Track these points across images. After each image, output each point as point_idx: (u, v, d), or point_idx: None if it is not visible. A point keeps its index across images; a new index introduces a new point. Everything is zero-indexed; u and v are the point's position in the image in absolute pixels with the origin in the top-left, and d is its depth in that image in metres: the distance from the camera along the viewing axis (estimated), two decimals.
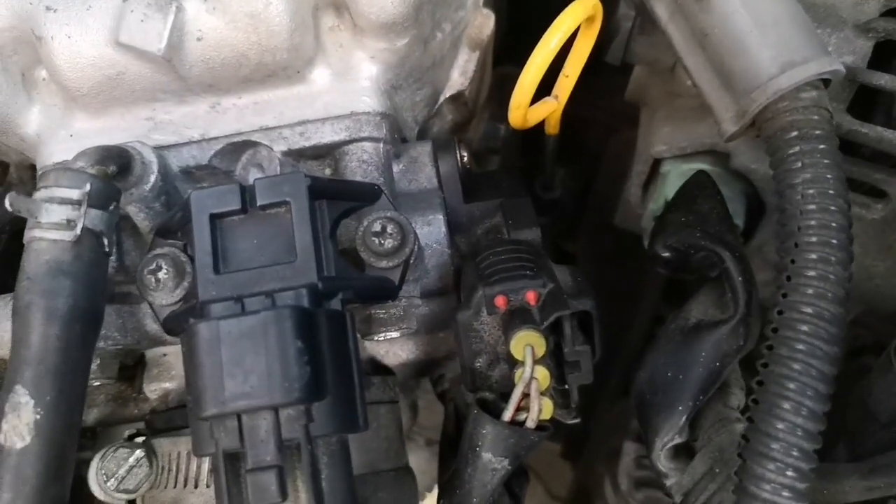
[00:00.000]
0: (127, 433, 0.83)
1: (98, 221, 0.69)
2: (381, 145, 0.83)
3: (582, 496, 1.71)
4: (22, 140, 0.84)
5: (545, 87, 0.92)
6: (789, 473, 0.60)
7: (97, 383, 0.84)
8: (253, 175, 0.83)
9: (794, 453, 0.60)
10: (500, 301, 0.73)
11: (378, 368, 0.88)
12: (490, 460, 0.71)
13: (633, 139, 1.14)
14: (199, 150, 0.82)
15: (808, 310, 0.63)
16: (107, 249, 0.70)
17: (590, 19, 0.87)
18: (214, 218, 0.67)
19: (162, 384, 0.85)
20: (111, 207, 0.70)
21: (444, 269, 0.83)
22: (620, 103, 1.16)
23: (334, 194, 0.71)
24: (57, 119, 0.83)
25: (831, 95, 0.82)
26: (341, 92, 0.83)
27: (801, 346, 0.62)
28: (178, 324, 0.70)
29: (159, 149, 0.79)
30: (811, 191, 0.66)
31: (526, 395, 0.70)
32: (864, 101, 0.88)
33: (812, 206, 0.66)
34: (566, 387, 0.74)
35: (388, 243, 0.73)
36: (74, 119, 0.82)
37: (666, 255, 0.80)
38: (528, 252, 0.77)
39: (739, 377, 0.77)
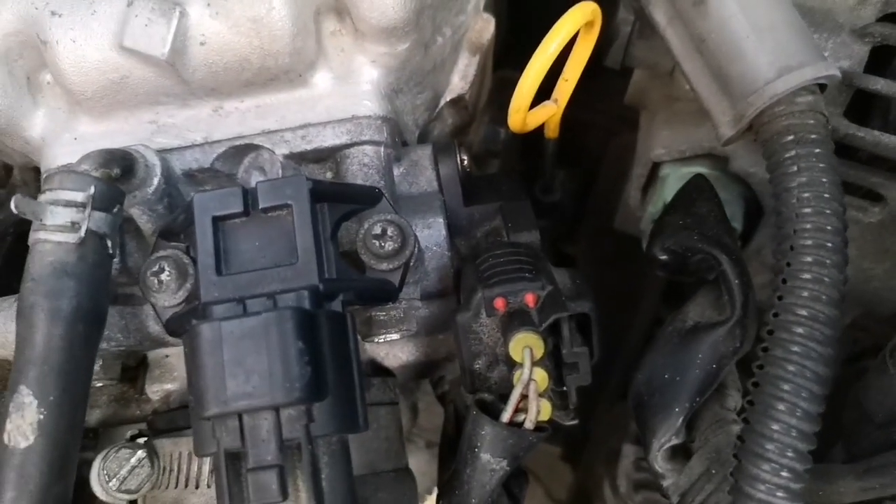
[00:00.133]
0: (129, 434, 0.84)
1: (102, 224, 0.70)
2: (382, 149, 0.84)
3: (581, 498, 1.72)
4: (26, 143, 0.84)
5: (545, 91, 0.93)
6: (784, 474, 0.61)
7: (100, 384, 0.84)
8: (255, 178, 0.83)
9: (789, 454, 0.61)
10: (499, 303, 0.73)
11: (378, 370, 0.89)
12: (489, 461, 0.72)
13: (633, 143, 1.14)
14: (202, 153, 0.83)
15: (804, 312, 0.63)
16: (110, 251, 0.71)
17: (589, 24, 0.88)
18: (217, 220, 0.68)
19: (164, 385, 0.86)
20: (115, 210, 0.71)
21: (444, 272, 0.83)
22: (620, 107, 1.17)
23: (335, 197, 0.72)
24: (61, 122, 0.83)
25: (828, 100, 0.83)
26: (343, 96, 0.83)
27: (796, 348, 0.63)
28: (180, 325, 0.71)
29: (162, 152, 0.80)
30: (807, 194, 0.67)
31: (524, 397, 0.71)
32: (861, 106, 0.89)
33: (807, 210, 0.66)
34: (564, 388, 0.75)
35: (389, 246, 0.74)
36: (78, 122, 0.83)
37: (663, 257, 0.81)
38: (527, 255, 0.78)
39: (736, 379, 0.78)
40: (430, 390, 1.17)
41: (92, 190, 0.69)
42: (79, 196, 0.68)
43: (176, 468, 0.80)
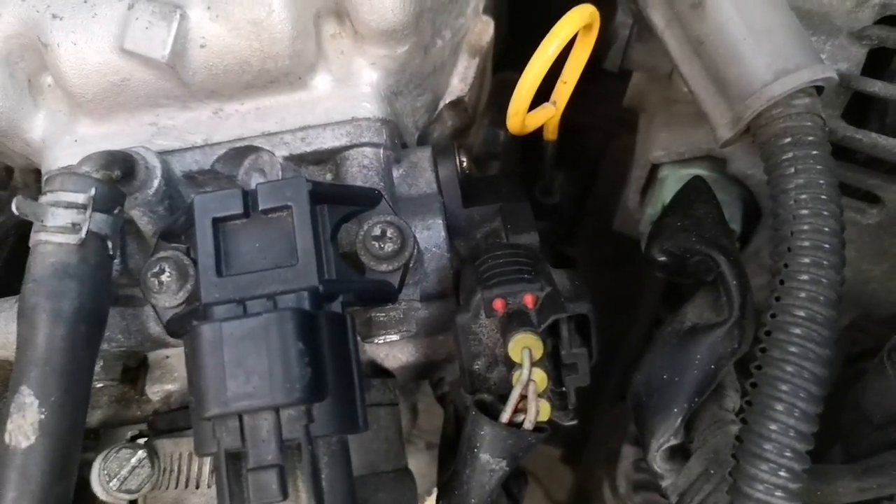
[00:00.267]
0: (129, 434, 0.84)
1: (103, 225, 0.70)
2: (382, 150, 0.84)
3: (581, 500, 1.72)
4: (27, 145, 0.85)
5: (544, 94, 0.94)
6: (782, 474, 0.61)
7: (100, 385, 0.85)
8: (255, 180, 0.84)
9: (787, 454, 0.61)
10: (498, 304, 0.74)
11: (378, 371, 0.89)
12: (488, 461, 0.72)
13: (632, 145, 1.15)
14: (202, 155, 0.83)
15: (801, 313, 0.64)
16: (111, 252, 0.71)
17: (587, 26, 0.88)
18: (217, 222, 0.68)
19: (164, 386, 0.86)
20: (116, 211, 0.72)
21: (444, 273, 0.84)
22: (618, 110, 1.17)
23: (335, 199, 0.72)
24: (62, 124, 0.84)
25: (826, 102, 0.83)
26: (342, 98, 0.84)
27: (793, 349, 0.63)
28: (180, 326, 0.71)
29: (163, 154, 0.80)
30: (804, 196, 0.67)
31: (524, 397, 0.71)
32: (859, 108, 0.89)
33: (805, 211, 0.66)
34: (563, 389, 0.75)
35: (388, 247, 0.74)
36: (79, 124, 0.84)
37: (662, 258, 0.81)
38: (526, 256, 0.78)
39: (734, 379, 0.78)
40: (430, 392, 1.17)
41: (93, 191, 0.69)
42: (80, 197, 0.69)
43: (176, 468, 0.80)
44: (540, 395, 0.71)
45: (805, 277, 0.65)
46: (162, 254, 0.73)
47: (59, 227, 0.68)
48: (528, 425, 0.71)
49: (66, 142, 0.83)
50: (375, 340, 0.82)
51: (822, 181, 0.67)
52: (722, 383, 0.77)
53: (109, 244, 0.71)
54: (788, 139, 0.70)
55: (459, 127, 1.03)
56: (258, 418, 0.62)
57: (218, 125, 0.83)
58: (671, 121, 1.03)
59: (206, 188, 0.84)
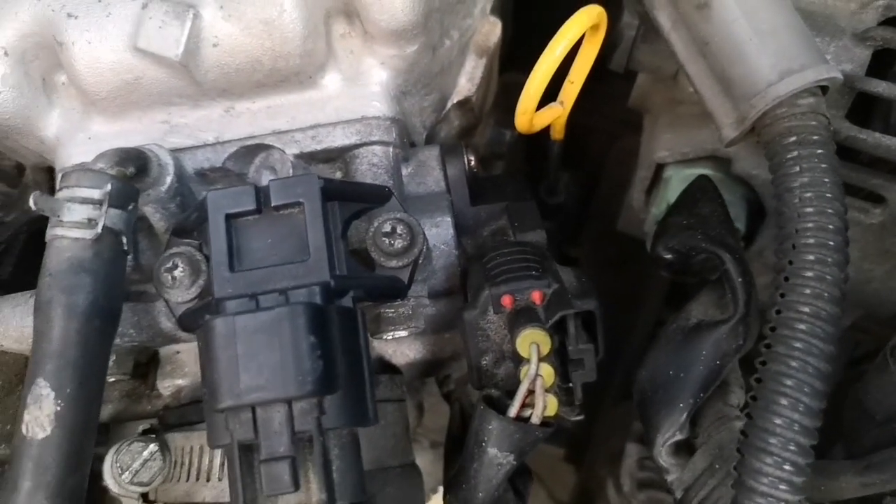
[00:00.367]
0: (141, 428, 0.85)
1: (117, 220, 0.71)
2: (391, 149, 0.85)
3: (584, 499, 1.73)
4: (41, 142, 0.86)
5: (550, 94, 0.95)
6: (786, 467, 0.62)
7: (112, 379, 0.85)
8: (265, 177, 0.85)
9: (792, 448, 0.62)
10: (506, 300, 0.75)
11: (386, 367, 0.90)
12: (496, 455, 0.73)
13: (637, 146, 1.15)
14: (214, 152, 0.84)
15: (806, 309, 0.64)
16: (125, 248, 0.73)
17: (594, 27, 0.89)
18: (230, 218, 0.69)
19: (175, 381, 0.87)
20: (130, 207, 0.73)
21: (452, 270, 0.85)
22: (623, 111, 1.18)
23: (346, 196, 0.73)
24: (76, 122, 0.85)
25: (830, 102, 0.84)
26: (352, 97, 0.85)
27: (798, 345, 0.64)
28: (193, 320, 0.72)
29: (175, 151, 0.81)
30: (808, 194, 0.68)
31: (531, 392, 0.72)
32: (863, 108, 0.90)
33: (809, 209, 0.67)
34: (570, 385, 0.76)
35: (398, 243, 0.75)
36: (92, 122, 0.85)
37: (667, 256, 0.82)
38: (533, 253, 0.79)
39: (739, 376, 0.79)
40: (436, 391, 1.18)
41: (108, 187, 0.70)
42: (95, 193, 0.70)
43: (187, 462, 0.81)
44: (547, 391, 0.72)
45: (809, 274, 0.65)
46: (174, 249, 0.74)
47: (74, 222, 0.69)
48: (535, 420, 0.72)
49: (79, 139, 0.84)
50: (384, 336, 0.83)
51: (826, 180, 0.68)
52: (727, 380, 0.77)
53: (124, 239, 0.72)
54: (793, 138, 0.70)
55: (466, 126, 1.04)
56: (271, 410, 0.63)
57: (229, 123, 0.84)
58: (676, 121, 1.03)
59: (218, 185, 0.85)
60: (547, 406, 0.72)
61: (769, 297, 0.69)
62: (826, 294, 0.65)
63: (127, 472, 0.79)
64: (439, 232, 0.84)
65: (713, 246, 0.78)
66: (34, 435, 0.65)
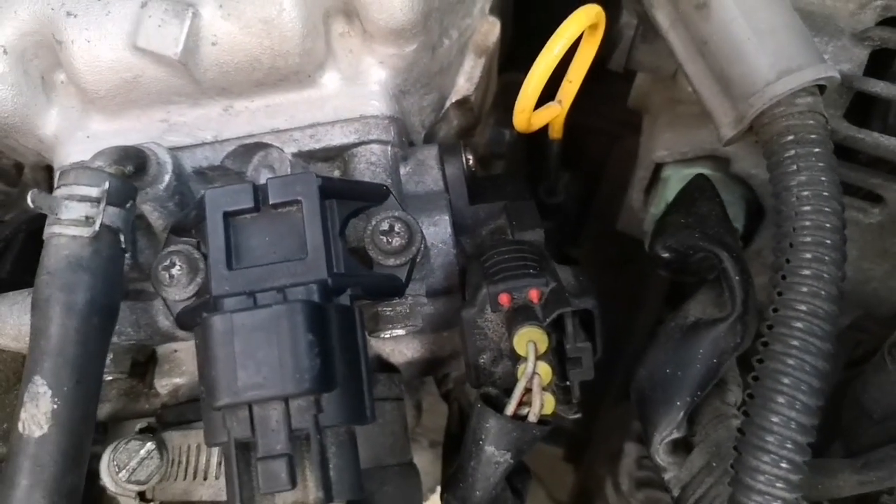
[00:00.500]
0: (138, 427, 0.85)
1: (116, 218, 0.71)
2: (389, 148, 0.85)
3: (583, 499, 1.73)
4: (40, 141, 0.86)
5: (549, 94, 0.95)
6: (783, 465, 0.62)
7: (110, 378, 0.85)
8: (264, 176, 0.85)
9: (789, 445, 0.62)
10: (503, 299, 0.75)
11: (384, 366, 0.90)
12: (493, 453, 0.73)
13: (636, 146, 1.15)
14: (212, 151, 0.84)
15: (803, 307, 0.64)
16: (123, 246, 0.73)
17: (593, 26, 0.89)
18: (228, 216, 0.69)
19: (172, 379, 0.87)
20: (128, 205, 0.73)
21: (450, 269, 0.85)
22: (623, 111, 1.18)
23: (344, 194, 0.73)
24: (74, 121, 0.85)
25: (829, 102, 0.84)
26: (351, 96, 0.85)
27: (795, 342, 0.64)
28: (190, 318, 0.73)
29: (173, 150, 0.81)
30: (806, 193, 0.68)
31: (528, 391, 0.72)
32: (861, 108, 0.90)
33: (807, 208, 0.67)
34: (568, 383, 0.76)
35: (396, 242, 0.75)
36: (91, 121, 0.85)
37: (665, 255, 0.82)
38: (531, 252, 0.79)
39: (737, 374, 0.79)
40: (435, 390, 1.18)
41: (106, 185, 0.70)
42: (93, 191, 0.70)
43: (185, 460, 0.81)
44: (544, 389, 0.72)
45: (807, 272, 0.65)
46: (172, 248, 0.74)
47: (72, 219, 0.69)
48: (532, 418, 0.72)
49: (78, 138, 0.84)
50: (382, 335, 0.83)
51: (824, 178, 0.68)
52: (724, 378, 0.77)
53: (122, 237, 0.72)
54: (791, 137, 0.70)
55: (465, 126, 1.04)
56: (268, 408, 0.63)
57: (228, 122, 0.84)
58: (675, 121, 1.03)
59: (216, 184, 0.85)
60: (544, 404, 0.72)
61: (767, 297, 0.69)
62: (823, 292, 0.65)
63: (124, 471, 0.78)
64: (437, 231, 0.84)
65: (711, 245, 0.78)
66: (31, 433, 0.65)
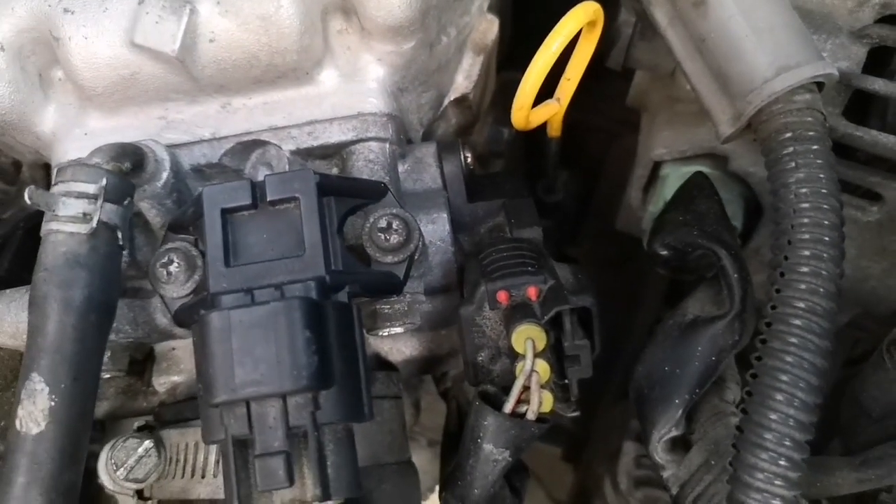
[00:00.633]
0: (136, 425, 0.85)
1: (113, 215, 0.71)
2: (387, 145, 0.85)
3: (582, 499, 1.73)
4: (38, 138, 0.86)
5: (548, 92, 0.95)
6: (782, 463, 0.62)
7: (107, 376, 0.85)
8: (262, 173, 0.85)
9: (787, 443, 0.62)
10: (502, 296, 0.75)
11: (382, 364, 0.90)
12: (491, 451, 0.73)
13: (634, 145, 1.15)
14: (210, 148, 0.84)
15: (801, 304, 0.64)
16: (121, 243, 0.72)
17: (591, 24, 0.89)
18: (226, 213, 0.69)
19: (170, 377, 0.87)
20: (126, 202, 0.72)
21: (448, 267, 0.85)
22: (621, 110, 1.18)
23: (342, 191, 0.73)
24: (72, 118, 0.85)
25: (827, 100, 0.84)
26: (349, 93, 0.85)
27: (793, 340, 0.64)
28: (188, 315, 0.72)
29: (171, 147, 0.81)
30: (804, 190, 0.68)
31: (526, 388, 0.72)
32: (859, 106, 0.90)
33: (805, 205, 0.67)
34: (566, 381, 0.76)
35: (394, 239, 0.75)
36: (89, 118, 0.85)
37: (664, 253, 0.82)
38: (529, 249, 0.79)
39: (735, 372, 0.79)
40: (433, 389, 1.18)
41: (104, 182, 0.70)
42: (91, 188, 0.70)
43: (183, 458, 0.81)
44: (543, 386, 0.72)
45: (805, 269, 0.65)
46: (170, 245, 0.74)
47: (70, 216, 0.69)
48: (530, 416, 0.72)
49: (75, 135, 0.84)
50: (380, 333, 0.83)
51: (822, 175, 0.68)
52: (723, 376, 0.77)
53: (119, 234, 0.72)
54: (789, 134, 0.70)
55: (463, 124, 1.04)
56: (265, 405, 0.63)
57: (226, 119, 0.84)
58: (673, 119, 1.03)
59: (214, 181, 0.85)
60: (542, 402, 0.72)
61: (766, 295, 0.69)
62: (822, 290, 0.65)
63: (122, 469, 0.78)
64: (435, 228, 0.84)
65: (709, 242, 0.78)
66: (28, 430, 0.64)
